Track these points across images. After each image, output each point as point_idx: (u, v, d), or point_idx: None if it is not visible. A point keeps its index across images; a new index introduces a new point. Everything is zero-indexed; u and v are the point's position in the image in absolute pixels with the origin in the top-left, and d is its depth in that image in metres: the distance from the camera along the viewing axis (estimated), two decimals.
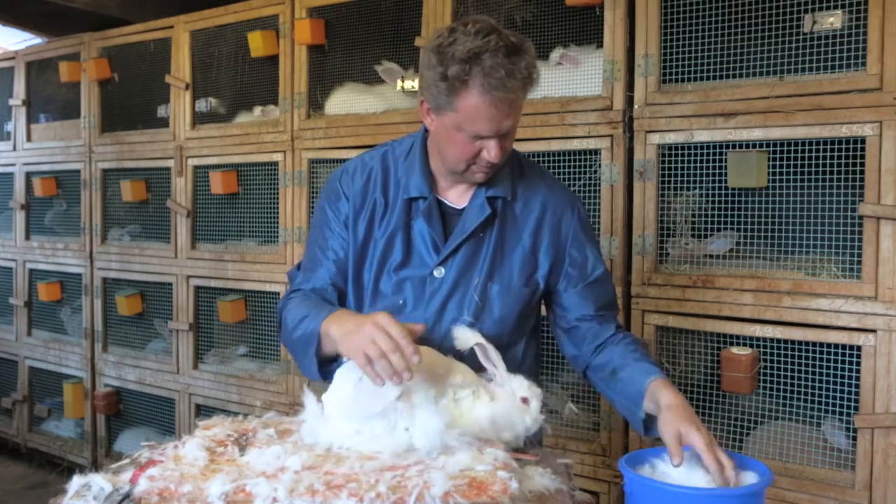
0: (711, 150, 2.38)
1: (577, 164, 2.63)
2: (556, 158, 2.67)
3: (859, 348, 2.16)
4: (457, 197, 1.69)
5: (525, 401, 1.49)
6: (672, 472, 1.43)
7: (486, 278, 1.65)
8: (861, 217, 2.14)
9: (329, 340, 1.48)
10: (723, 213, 2.42)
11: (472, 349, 1.51)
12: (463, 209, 1.68)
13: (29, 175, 4.46)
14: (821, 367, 2.23)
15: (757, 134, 2.29)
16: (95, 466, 4.09)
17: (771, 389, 2.36)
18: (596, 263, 1.74)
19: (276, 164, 3.39)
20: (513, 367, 1.55)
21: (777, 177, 2.32)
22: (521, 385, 1.50)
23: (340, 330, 1.44)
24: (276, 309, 1.75)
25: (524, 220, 1.68)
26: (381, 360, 1.33)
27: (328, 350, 1.52)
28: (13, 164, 4.56)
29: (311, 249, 1.76)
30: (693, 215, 2.47)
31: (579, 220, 1.73)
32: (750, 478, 1.41)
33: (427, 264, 1.66)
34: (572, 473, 1.54)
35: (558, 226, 1.71)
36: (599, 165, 2.56)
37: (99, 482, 1.28)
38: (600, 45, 2.57)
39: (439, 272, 1.65)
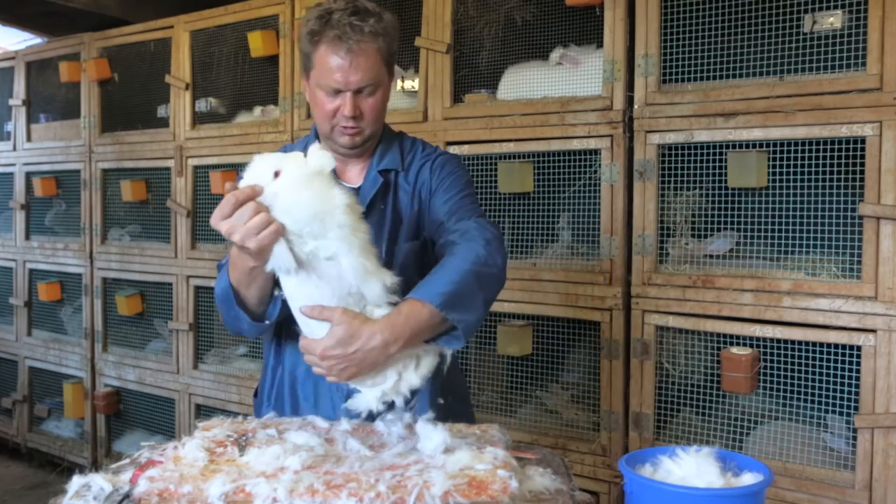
0: (711, 150, 2.38)
1: (577, 164, 2.63)
2: (556, 158, 2.67)
3: (859, 348, 2.16)
4: (353, 177, 1.78)
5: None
6: (673, 472, 1.43)
7: (390, 242, 1.74)
8: (861, 217, 2.14)
9: (237, 282, 1.53)
10: (723, 213, 2.42)
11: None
12: (360, 187, 1.76)
13: (29, 175, 4.46)
14: (821, 367, 2.23)
15: (757, 134, 2.29)
16: (95, 466, 4.09)
17: (771, 389, 2.36)
18: (447, 180, 1.75)
19: None
20: None
21: (777, 177, 2.33)
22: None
23: (233, 268, 1.52)
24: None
25: (411, 186, 1.78)
26: (250, 240, 1.35)
27: (247, 296, 1.55)
28: (13, 164, 4.56)
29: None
30: (693, 215, 2.47)
31: (440, 164, 1.79)
32: (749, 478, 1.41)
33: None
34: (572, 473, 1.54)
35: (429, 177, 1.77)
36: (599, 165, 2.56)
37: (99, 482, 1.28)
38: (600, 45, 2.57)
39: None
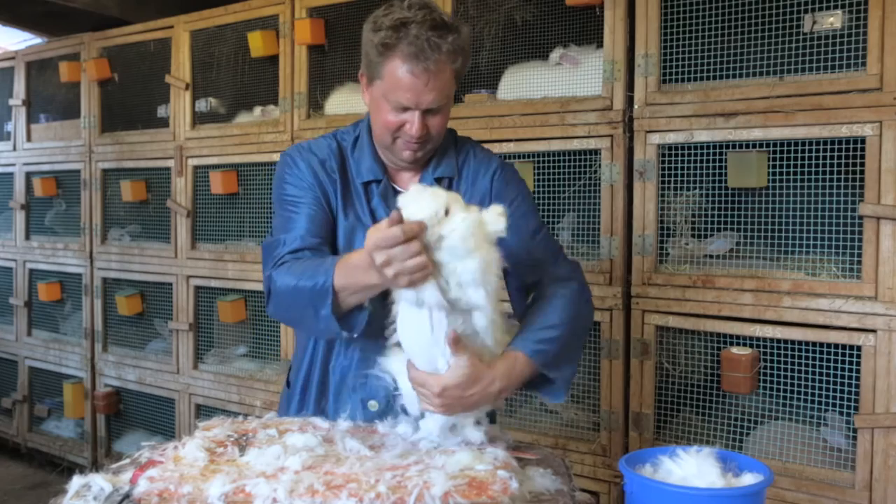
0: (711, 150, 2.38)
1: (577, 164, 2.63)
2: (556, 158, 2.67)
3: (859, 348, 2.16)
4: (406, 181, 1.71)
5: None
6: (673, 472, 1.43)
7: None
8: (861, 217, 2.14)
9: (345, 288, 1.44)
10: (723, 213, 2.42)
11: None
12: None
13: (29, 175, 4.46)
14: (821, 367, 2.23)
15: (757, 134, 2.29)
16: (95, 466, 4.09)
17: (771, 389, 2.36)
18: (521, 207, 1.70)
19: (276, 163, 3.37)
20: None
21: (777, 177, 2.33)
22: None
23: (347, 276, 1.43)
24: (264, 282, 1.67)
25: (466, 196, 1.66)
26: (403, 277, 1.31)
27: (343, 302, 1.47)
28: (13, 164, 4.56)
29: (280, 213, 1.72)
30: (693, 215, 2.47)
31: (503, 179, 1.73)
32: (750, 478, 1.41)
33: None
34: (572, 473, 1.54)
35: (488, 191, 1.71)
36: (599, 165, 2.56)
37: (99, 482, 1.28)
38: (600, 45, 2.57)
39: None
